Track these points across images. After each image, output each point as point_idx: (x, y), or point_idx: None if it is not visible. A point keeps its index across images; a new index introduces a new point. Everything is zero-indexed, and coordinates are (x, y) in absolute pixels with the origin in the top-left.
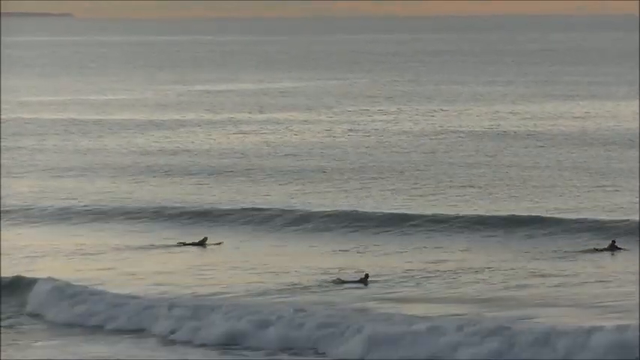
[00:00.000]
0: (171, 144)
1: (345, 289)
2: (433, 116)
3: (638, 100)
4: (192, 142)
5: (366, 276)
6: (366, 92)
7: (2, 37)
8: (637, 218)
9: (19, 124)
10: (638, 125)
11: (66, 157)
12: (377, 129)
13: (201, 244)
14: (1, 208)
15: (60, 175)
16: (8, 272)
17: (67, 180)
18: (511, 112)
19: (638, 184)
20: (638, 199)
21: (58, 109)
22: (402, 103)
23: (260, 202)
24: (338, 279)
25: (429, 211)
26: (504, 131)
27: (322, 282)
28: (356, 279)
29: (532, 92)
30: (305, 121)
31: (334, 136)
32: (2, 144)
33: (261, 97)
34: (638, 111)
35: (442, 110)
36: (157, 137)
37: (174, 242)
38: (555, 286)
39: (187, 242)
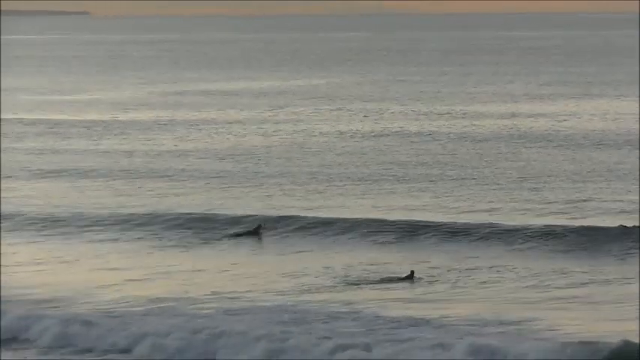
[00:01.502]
0: (193, 143)
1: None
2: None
3: None
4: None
5: (412, 273)
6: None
7: (15, 36)
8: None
9: (35, 125)
10: None
11: (89, 157)
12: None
13: (256, 232)
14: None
15: (86, 177)
16: None
17: (95, 182)
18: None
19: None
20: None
21: (78, 108)
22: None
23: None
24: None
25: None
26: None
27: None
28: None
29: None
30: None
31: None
32: (24, 145)
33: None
34: None
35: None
36: (178, 135)
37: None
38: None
39: (241, 232)
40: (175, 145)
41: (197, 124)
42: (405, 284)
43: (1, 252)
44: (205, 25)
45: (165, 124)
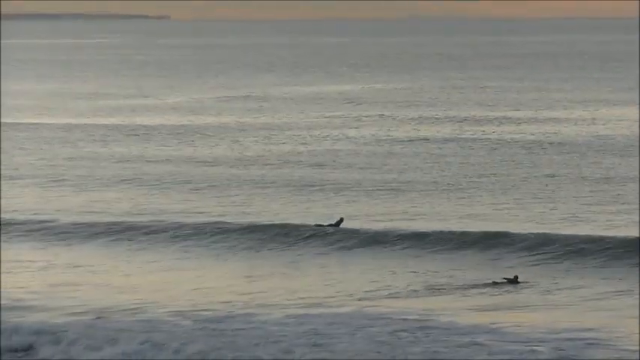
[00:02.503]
0: (273, 146)
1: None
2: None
3: None
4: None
5: (516, 277)
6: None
7: (97, 39)
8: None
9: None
10: None
11: (176, 164)
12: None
13: (337, 225)
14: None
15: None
16: None
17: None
18: None
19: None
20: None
21: (161, 111)
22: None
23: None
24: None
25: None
26: None
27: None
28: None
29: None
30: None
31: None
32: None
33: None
34: None
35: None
36: (258, 138)
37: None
38: None
39: (324, 224)
40: (268, 151)
41: (284, 129)
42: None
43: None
44: (287, 29)
45: (245, 130)
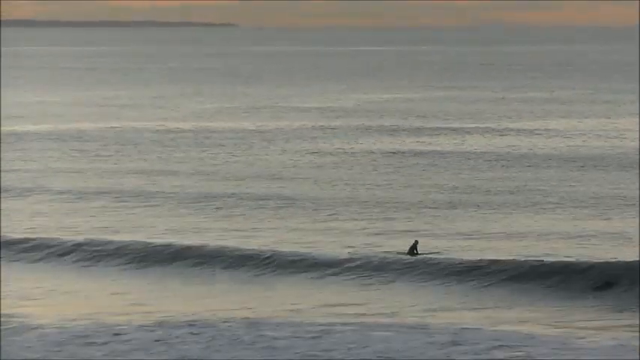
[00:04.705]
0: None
1: None
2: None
3: None
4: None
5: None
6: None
7: (169, 46)
8: None
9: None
10: None
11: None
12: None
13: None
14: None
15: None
16: None
17: None
18: None
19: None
20: None
21: (230, 117)
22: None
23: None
24: None
25: None
26: None
27: None
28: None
29: None
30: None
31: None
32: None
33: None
34: None
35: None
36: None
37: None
38: None
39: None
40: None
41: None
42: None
43: None
44: (362, 37)
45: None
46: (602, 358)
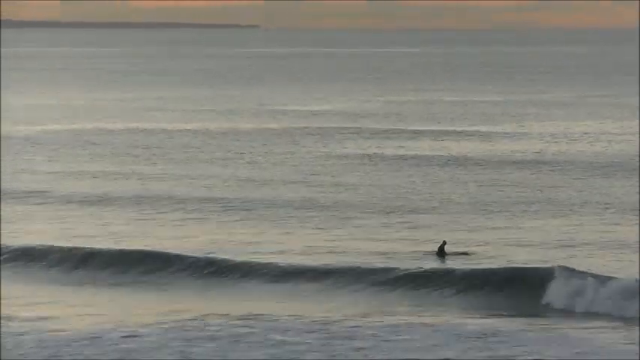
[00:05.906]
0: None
1: None
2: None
3: None
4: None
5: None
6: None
7: (193, 48)
8: None
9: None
10: None
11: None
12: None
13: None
14: None
15: None
16: None
17: None
18: None
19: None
20: None
21: (256, 119)
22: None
23: None
24: None
25: None
26: None
27: None
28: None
29: None
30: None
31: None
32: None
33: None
34: None
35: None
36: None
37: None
38: None
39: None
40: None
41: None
42: None
43: None
44: (391, 39)
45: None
46: (602, 358)
